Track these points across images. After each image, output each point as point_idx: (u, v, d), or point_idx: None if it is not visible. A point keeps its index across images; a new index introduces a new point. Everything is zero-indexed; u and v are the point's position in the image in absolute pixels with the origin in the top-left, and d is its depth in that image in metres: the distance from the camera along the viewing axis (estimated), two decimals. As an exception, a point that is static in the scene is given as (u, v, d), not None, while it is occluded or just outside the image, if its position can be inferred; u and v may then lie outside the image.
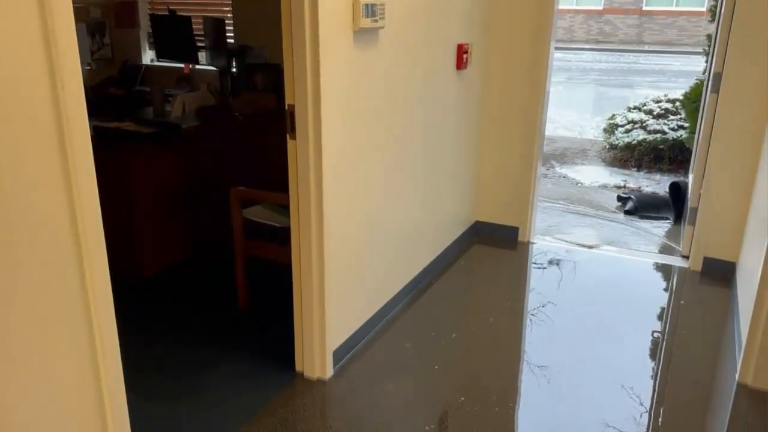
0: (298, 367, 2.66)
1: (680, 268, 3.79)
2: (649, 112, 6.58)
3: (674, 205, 4.65)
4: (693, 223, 3.72)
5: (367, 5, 2.39)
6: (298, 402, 2.47)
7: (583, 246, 4.11)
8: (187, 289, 3.38)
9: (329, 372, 2.63)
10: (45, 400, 1.50)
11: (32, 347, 1.45)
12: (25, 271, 1.40)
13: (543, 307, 3.28)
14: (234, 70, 4.15)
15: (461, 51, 3.41)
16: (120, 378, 1.69)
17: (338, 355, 2.69)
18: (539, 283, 3.56)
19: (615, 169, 6.34)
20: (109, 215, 1.75)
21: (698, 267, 3.71)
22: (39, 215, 1.41)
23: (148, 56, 4.89)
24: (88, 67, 4.63)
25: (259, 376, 2.62)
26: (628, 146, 6.44)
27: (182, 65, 4.44)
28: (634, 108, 6.83)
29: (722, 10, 3.46)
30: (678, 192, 4.63)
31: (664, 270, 3.79)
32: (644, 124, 6.45)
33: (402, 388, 2.58)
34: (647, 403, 2.51)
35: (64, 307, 1.51)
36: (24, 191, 1.37)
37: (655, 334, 3.03)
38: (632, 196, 4.97)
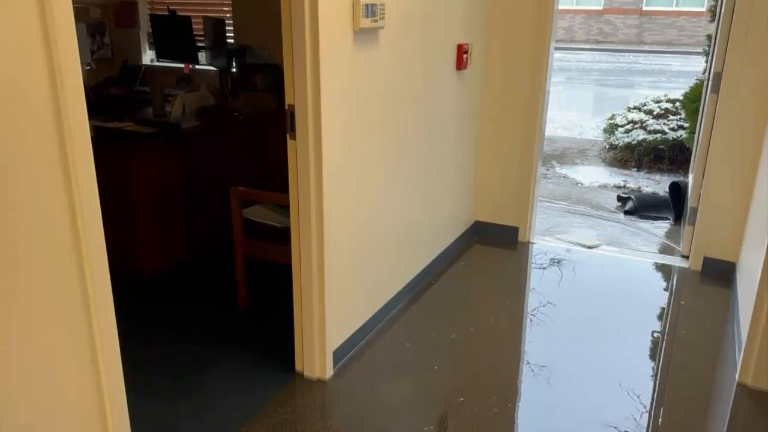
0: (297, 367, 2.66)
1: (680, 268, 3.79)
2: (649, 112, 6.58)
3: (674, 205, 4.65)
4: (693, 223, 3.72)
5: (367, 5, 2.39)
6: (298, 402, 2.48)
7: (583, 246, 4.11)
8: (187, 289, 3.38)
9: (329, 372, 2.63)
10: (45, 400, 1.50)
11: (32, 347, 1.45)
12: (25, 271, 1.40)
13: (543, 307, 3.28)
14: (234, 70, 4.15)
15: (461, 51, 3.41)
16: (120, 377, 1.70)
17: (338, 355, 2.70)
18: (539, 284, 3.56)
19: (615, 169, 6.35)
20: (109, 215, 1.75)
21: (698, 267, 3.71)
22: (39, 215, 1.41)
23: (148, 56, 4.89)
24: (88, 67, 4.63)
25: (258, 376, 2.62)
26: (628, 146, 6.44)
27: (182, 65, 4.45)
28: (634, 108, 6.83)
29: (722, 11, 3.46)
30: (678, 192, 4.63)
31: (664, 270, 3.79)
32: (644, 124, 6.46)
33: (402, 389, 2.58)
34: (647, 403, 2.51)
35: (64, 307, 1.51)
36: (24, 191, 1.37)
37: (655, 334, 3.03)
38: (632, 196, 4.97)
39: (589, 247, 4.09)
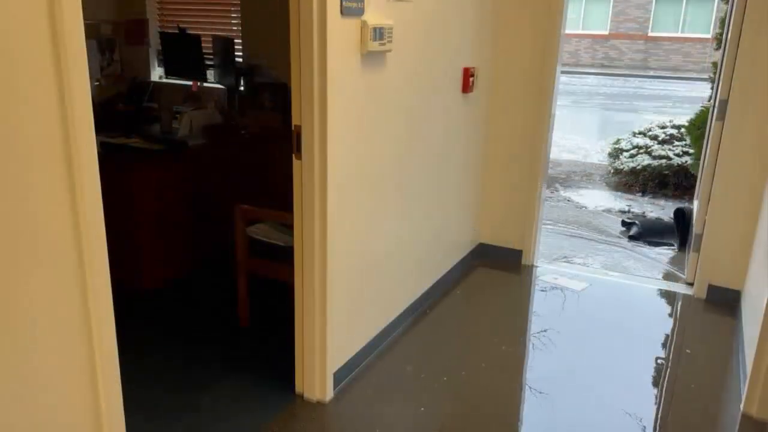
0: (298, 389, 2.64)
1: (684, 295, 3.76)
2: (654, 138, 6.59)
3: (679, 231, 4.64)
4: (698, 249, 3.71)
5: (375, 29, 2.41)
6: (298, 425, 2.45)
7: (587, 271, 4.09)
8: (189, 306, 3.36)
9: (329, 394, 2.61)
10: (41, 413, 1.49)
11: (30, 357, 1.44)
12: (26, 282, 1.39)
13: (545, 331, 3.26)
14: (242, 88, 4.18)
15: (467, 74, 3.43)
16: (118, 394, 1.68)
17: (339, 377, 2.67)
18: (542, 308, 3.54)
19: (619, 193, 6.34)
20: (114, 229, 1.76)
21: (703, 294, 3.69)
22: (43, 228, 1.41)
23: (156, 73, 4.93)
24: (97, 83, 4.67)
25: (258, 397, 2.60)
26: (633, 171, 6.44)
27: (190, 83, 4.48)
28: (639, 133, 6.84)
29: (728, 38, 3.48)
30: (683, 218, 4.62)
31: (668, 297, 3.76)
32: (649, 150, 6.46)
33: (403, 412, 2.55)
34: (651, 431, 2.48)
35: (65, 322, 1.50)
36: (29, 205, 1.37)
37: (659, 362, 3.00)
38: (637, 222, 4.96)
39: (593, 272, 4.06)
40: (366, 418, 2.50)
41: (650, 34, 20.83)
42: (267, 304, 3.36)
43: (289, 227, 2.71)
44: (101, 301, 1.57)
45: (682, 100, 14.14)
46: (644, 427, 2.51)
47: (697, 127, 5.73)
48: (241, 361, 2.85)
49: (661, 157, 6.30)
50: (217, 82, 4.28)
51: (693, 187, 5.56)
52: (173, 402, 2.54)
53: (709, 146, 3.69)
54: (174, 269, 3.62)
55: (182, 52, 4.31)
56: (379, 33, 2.44)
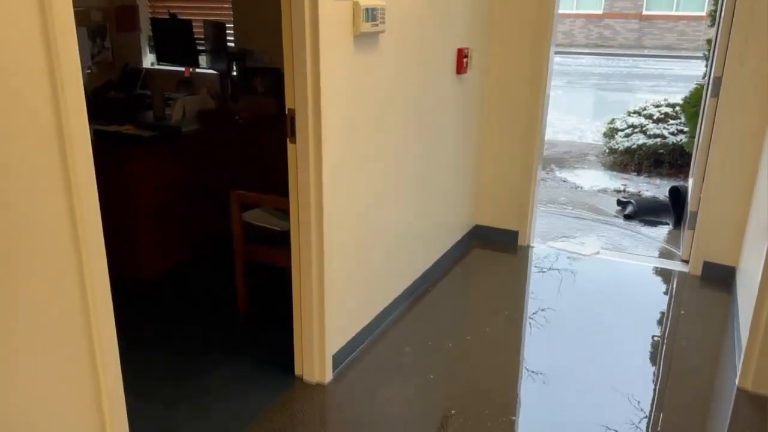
0: (297, 372, 2.66)
1: (680, 272, 3.79)
2: (649, 117, 6.59)
3: (674, 209, 4.65)
4: (693, 227, 3.72)
5: (367, 9, 2.39)
6: (297, 406, 2.47)
7: (583, 250, 4.11)
8: (187, 293, 3.37)
9: (328, 376, 2.63)
10: (42, 403, 1.50)
11: (30, 349, 1.44)
12: (24, 272, 1.40)
13: (542, 311, 3.28)
14: (234, 73, 4.16)
15: (461, 55, 3.41)
16: (119, 381, 1.69)
17: (338, 359, 2.69)
18: (538, 288, 3.56)
19: (615, 173, 6.35)
20: (110, 218, 1.76)
21: (698, 271, 3.71)
22: (39, 218, 1.41)
23: (148, 60, 4.89)
24: (89, 71, 4.64)
25: (258, 381, 2.62)
26: (628, 150, 6.45)
27: (183, 69, 4.45)
28: (634, 112, 6.84)
29: (722, 15, 3.47)
30: (678, 196, 4.64)
31: (664, 274, 3.78)
32: (644, 129, 6.46)
33: (402, 393, 2.57)
34: (646, 408, 2.51)
35: (64, 310, 1.50)
36: (24, 194, 1.37)
37: (655, 339, 3.03)
38: (632, 201, 4.97)
39: (589, 252, 4.08)
40: (365, 399, 2.52)
41: (644, 12, 20.72)
42: (266, 290, 3.37)
43: (285, 212, 2.72)
44: (100, 290, 1.57)
45: (677, 78, 14.12)
46: (640, 403, 2.54)
47: (692, 105, 5.73)
48: (240, 347, 2.87)
49: (656, 136, 6.31)
50: (210, 68, 4.25)
51: (688, 165, 5.58)
52: (175, 389, 2.56)
53: (703, 124, 3.69)
54: (171, 256, 3.62)
55: (174, 37, 4.28)
56: (372, 14, 2.42)
